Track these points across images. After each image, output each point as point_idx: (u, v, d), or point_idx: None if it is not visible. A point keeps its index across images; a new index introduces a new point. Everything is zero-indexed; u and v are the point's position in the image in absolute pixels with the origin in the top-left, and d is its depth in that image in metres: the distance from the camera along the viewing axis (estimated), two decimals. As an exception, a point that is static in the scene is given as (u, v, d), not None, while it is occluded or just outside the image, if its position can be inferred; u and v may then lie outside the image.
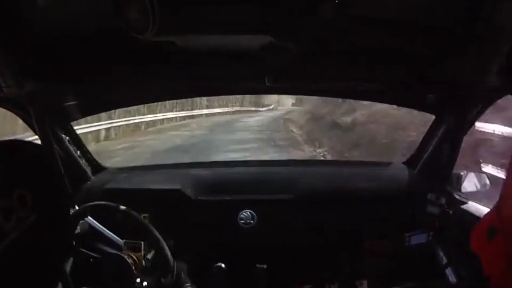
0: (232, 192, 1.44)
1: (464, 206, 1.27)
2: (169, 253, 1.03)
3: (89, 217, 1.17)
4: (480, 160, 3.35)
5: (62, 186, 1.01)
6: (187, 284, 1.00)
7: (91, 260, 1.07)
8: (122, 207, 1.09)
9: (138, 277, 1.01)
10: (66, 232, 0.63)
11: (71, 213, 1.13)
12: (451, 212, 1.27)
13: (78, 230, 1.11)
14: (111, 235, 1.17)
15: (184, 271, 1.03)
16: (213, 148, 7.54)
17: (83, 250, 1.09)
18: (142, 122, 11.31)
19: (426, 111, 1.43)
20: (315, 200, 1.40)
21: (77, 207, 1.17)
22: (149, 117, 11.48)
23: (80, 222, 1.12)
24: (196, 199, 1.40)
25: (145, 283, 1.01)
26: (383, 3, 0.84)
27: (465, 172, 1.32)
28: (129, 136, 10.08)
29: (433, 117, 1.42)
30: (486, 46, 0.85)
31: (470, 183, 1.31)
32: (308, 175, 1.53)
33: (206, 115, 15.56)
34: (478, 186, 1.32)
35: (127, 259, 1.03)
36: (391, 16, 0.88)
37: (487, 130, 3.93)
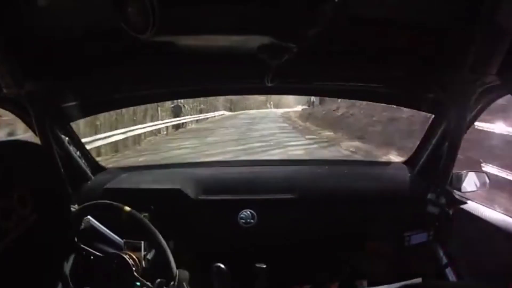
0: (232, 192, 1.44)
1: (464, 206, 1.27)
2: (172, 260, 1.02)
3: (89, 217, 1.17)
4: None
5: (62, 186, 1.01)
6: None
7: (92, 257, 1.07)
8: (127, 208, 1.09)
9: (139, 281, 1.01)
10: (66, 232, 0.63)
11: (71, 213, 1.13)
12: (451, 212, 1.27)
13: (82, 226, 1.11)
14: (111, 234, 1.16)
15: (186, 281, 1.02)
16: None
17: (84, 247, 1.08)
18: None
19: (426, 111, 1.43)
20: (315, 200, 1.41)
21: (77, 207, 1.17)
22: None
23: (84, 218, 1.12)
24: (196, 199, 1.40)
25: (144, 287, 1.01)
26: (383, 3, 0.84)
27: (465, 171, 1.32)
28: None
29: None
30: (486, 46, 0.85)
31: (470, 183, 1.31)
32: (308, 175, 1.53)
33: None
34: (478, 186, 1.32)
35: (127, 259, 1.03)
36: (391, 16, 0.88)
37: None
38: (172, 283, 1.00)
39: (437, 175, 1.29)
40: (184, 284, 1.00)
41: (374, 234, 1.39)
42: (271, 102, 29.94)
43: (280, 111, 23.94)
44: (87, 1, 0.81)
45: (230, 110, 25.11)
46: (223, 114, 21.04)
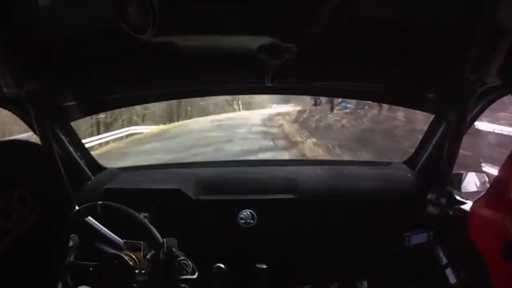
0: (232, 192, 1.44)
1: (464, 206, 1.27)
2: (154, 230, 1.04)
3: (89, 217, 1.17)
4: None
5: (62, 186, 1.01)
6: (181, 258, 0.99)
7: (91, 269, 1.07)
8: (100, 202, 1.09)
9: (137, 269, 1.02)
10: (66, 232, 0.63)
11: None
12: (451, 212, 1.27)
13: (70, 243, 1.10)
14: (111, 235, 1.17)
15: (175, 246, 1.03)
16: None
17: (80, 262, 1.08)
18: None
19: (426, 110, 1.43)
20: (315, 200, 1.40)
21: (77, 207, 1.17)
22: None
23: (71, 236, 1.12)
24: (196, 199, 1.40)
25: (143, 271, 1.02)
26: (383, 3, 0.84)
27: (465, 172, 1.32)
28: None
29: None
30: (486, 46, 0.85)
31: (470, 183, 1.31)
32: (308, 175, 1.53)
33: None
34: (478, 186, 1.32)
35: (127, 259, 1.03)
36: (391, 16, 0.88)
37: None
38: (161, 250, 1.00)
39: (437, 175, 1.29)
40: (173, 249, 1.01)
41: (374, 234, 1.39)
42: (240, 102, 19.95)
43: (258, 115, 14.08)
44: (87, 1, 0.81)
45: (169, 120, 15.75)
46: (126, 134, 11.62)
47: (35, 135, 1.23)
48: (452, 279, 1.22)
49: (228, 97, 17.10)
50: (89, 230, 1.16)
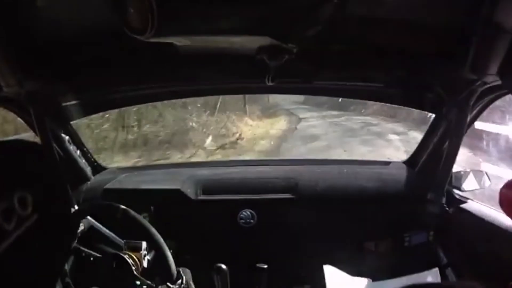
0: (232, 192, 1.44)
1: (464, 206, 1.27)
2: (171, 259, 1.01)
3: (89, 217, 1.17)
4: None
5: (62, 186, 1.01)
6: None
7: (92, 259, 1.07)
8: (123, 207, 1.08)
9: (139, 280, 1.01)
10: (66, 232, 0.63)
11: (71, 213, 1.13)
12: (451, 211, 1.27)
13: (81, 227, 1.10)
14: (111, 235, 1.17)
15: (190, 279, 1.01)
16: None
17: (83, 249, 1.08)
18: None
19: (426, 110, 1.43)
20: (315, 200, 1.41)
21: (77, 207, 1.17)
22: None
23: (83, 220, 1.11)
24: (196, 199, 1.40)
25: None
26: (383, 2, 0.84)
27: (465, 171, 1.32)
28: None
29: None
30: (486, 46, 0.85)
31: (470, 182, 1.31)
32: (308, 175, 1.53)
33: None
34: (478, 185, 1.32)
35: (127, 259, 1.03)
36: (391, 16, 0.88)
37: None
38: (179, 281, 0.98)
39: (437, 175, 1.29)
40: (191, 283, 1.00)
41: (374, 234, 1.39)
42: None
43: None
44: (87, 1, 0.81)
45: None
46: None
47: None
48: (452, 279, 1.22)
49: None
50: (89, 231, 1.16)
